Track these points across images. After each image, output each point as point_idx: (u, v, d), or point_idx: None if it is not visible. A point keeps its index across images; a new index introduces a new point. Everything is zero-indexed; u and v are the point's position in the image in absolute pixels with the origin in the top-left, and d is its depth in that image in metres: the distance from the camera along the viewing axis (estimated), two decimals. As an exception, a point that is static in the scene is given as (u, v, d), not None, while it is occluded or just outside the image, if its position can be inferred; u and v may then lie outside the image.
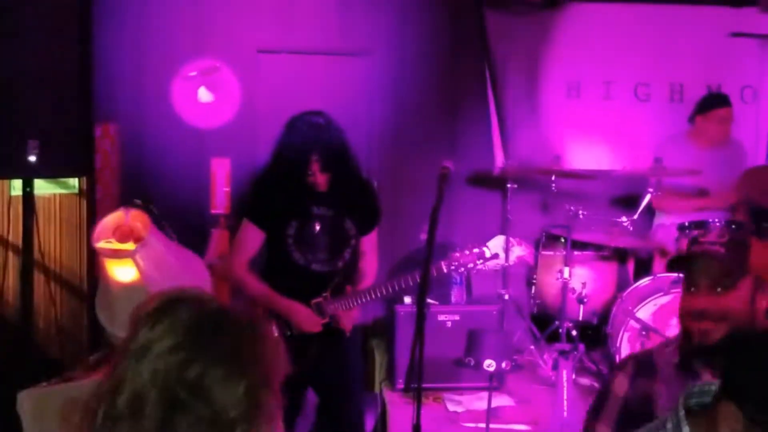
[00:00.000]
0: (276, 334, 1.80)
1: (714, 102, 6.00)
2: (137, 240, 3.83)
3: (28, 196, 4.38)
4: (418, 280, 4.06)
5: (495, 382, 4.78)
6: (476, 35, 6.53)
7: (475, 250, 4.17)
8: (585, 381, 5.42)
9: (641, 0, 6.52)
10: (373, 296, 4.06)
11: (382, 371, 5.49)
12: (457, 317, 5.26)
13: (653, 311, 5.18)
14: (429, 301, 5.17)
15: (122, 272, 3.93)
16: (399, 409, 4.97)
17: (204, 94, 5.96)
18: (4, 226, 4.78)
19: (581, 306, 5.68)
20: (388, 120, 6.40)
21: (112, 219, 4.06)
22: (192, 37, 6.11)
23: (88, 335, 5.39)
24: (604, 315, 5.72)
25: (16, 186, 4.61)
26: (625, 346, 5.18)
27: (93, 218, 5.22)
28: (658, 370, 2.48)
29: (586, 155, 6.56)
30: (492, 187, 6.48)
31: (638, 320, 5.10)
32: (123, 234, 4.01)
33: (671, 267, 2.64)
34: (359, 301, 4.06)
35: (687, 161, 5.76)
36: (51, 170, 4.43)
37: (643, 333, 5.02)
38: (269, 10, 6.25)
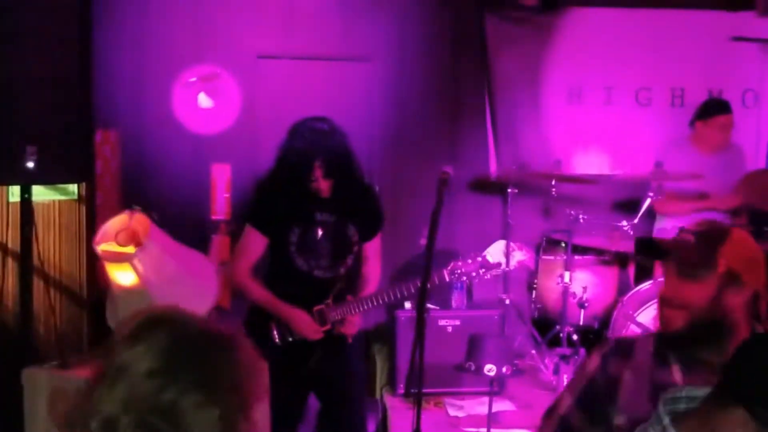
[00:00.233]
0: (258, 354, 1.75)
1: (714, 109, 5.99)
2: (137, 245, 3.84)
3: (26, 202, 4.38)
4: (413, 287, 4.07)
5: (496, 387, 4.78)
6: (477, 41, 6.54)
7: (478, 259, 4.18)
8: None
9: (642, 5, 6.52)
10: (375, 303, 4.05)
11: (383, 376, 5.48)
12: (457, 322, 5.26)
13: (654, 315, 5.16)
14: (430, 306, 5.17)
15: (122, 276, 3.95)
16: (400, 415, 4.97)
17: (204, 100, 5.97)
18: (3, 233, 4.77)
19: (582, 310, 5.67)
20: (388, 125, 6.40)
21: (116, 222, 4.08)
22: (192, 43, 6.11)
23: (88, 342, 5.39)
24: (605, 319, 5.72)
25: (15, 192, 4.60)
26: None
27: (93, 224, 5.22)
28: (633, 356, 2.47)
29: (587, 160, 6.56)
30: (493, 192, 6.48)
31: (639, 324, 5.09)
32: (125, 237, 4.03)
33: (638, 250, 2.64)
34: (361, 308, 4.05)
35: (688, 166, 5.75)
36: (49, 176, 4.41)
37: (644, 337, 5.00)
38: (269, 15, 6.26)
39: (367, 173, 4.75)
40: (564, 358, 5.41)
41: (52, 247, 5.14)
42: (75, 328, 5.34)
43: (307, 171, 3.86)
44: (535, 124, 6.61)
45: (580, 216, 5.61)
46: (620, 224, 5.76)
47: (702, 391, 1.68)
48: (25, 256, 4.44)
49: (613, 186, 6.36)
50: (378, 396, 5.37)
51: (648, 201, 5.78)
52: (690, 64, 6.64)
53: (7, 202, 4.79)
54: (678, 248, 2.42)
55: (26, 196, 4.38)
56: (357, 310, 4.04)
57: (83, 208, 5.34)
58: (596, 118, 6.64)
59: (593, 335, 5.83)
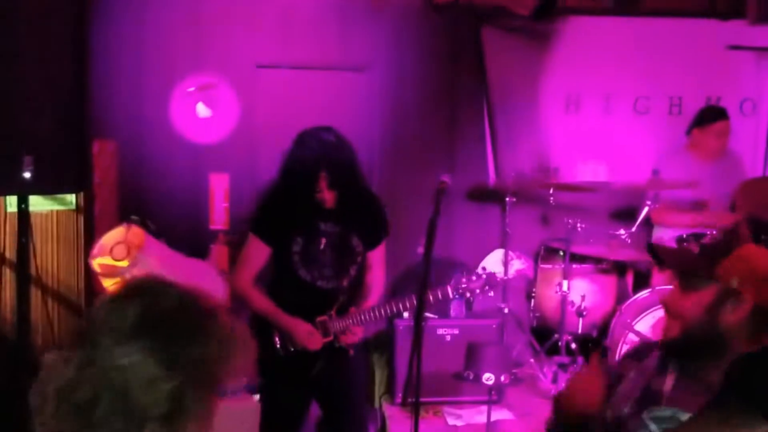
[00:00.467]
0: (246, 332, 1.73)
1: (711, 115, 6.00)
2: (131, 258, 3.85)
3: (23, 212, 4.37)
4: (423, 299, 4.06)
5: (494, 396, 4.78)
6: (473, 50, 6.54)
7: (483, 276, 4.16)
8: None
9: (639, 14, 6.53)
10: (378, 315, 4.03)
11: (381, 385, 5.47)
12: (456, 331, 5.26)
13: (652, 324, 5.17)
14: (428, 315, 5.17)
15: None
16: (399, 423, 4.97)
17: (202, 109, 5.97)
18: (1, 243, 4.77)
19: (580, 319, 5.68)
20: (386, 134, 6.41)
21: (112, 235, 4.08)
22: (190, 52, 6.12)
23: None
24: (604, 328, 5.72)
25: (12, 203, 4.60)
26: (624, 359, 5.16)
27: (90, 235, 5.21)
28: (645, 358, 2.49)
29: (585, 168, 6.57)
30: (491, 201, 6.48)
31: (637, 333, 5.09)
32: (120, 251, 4.02)
33: (649, 251, 2.63)
34: (364, 320, 4.03)
35: (685, 174, 5.76)
36: (45, 186, 4.39)
37: (643, 346, 5.00)
38: (267, 24, 6.27)
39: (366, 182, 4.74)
40: (562, 366, 5.41)
41: (50, 258, 5.14)
42: (73, 338, 5.33)
43: (311, 181, 3.84)
44: (533, 132, 6.62)
45: (578, 224, 5.62)
46: (618, 233, 5.77)
47: (683, 415, 1.68)
48: (22, 267, 4.44)
49: (611, 194, 6.36)
50: (377, 405, 5.36)
51: (646, 209, 5.79)
52: (688, 73, 6.65)
53: (5, 213, 4.79)
54: (680, 258, 2.42)
55: (23, 206, 4.37)
56: (360, 322, 4.03)
57: (81, 218, 5.33)
58: (594, 126, 6.65)
59: (592, 343, 5.83)
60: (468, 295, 4.18)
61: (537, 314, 5.95)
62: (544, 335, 5.78)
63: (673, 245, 5.58)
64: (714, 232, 5.36)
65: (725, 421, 1.62)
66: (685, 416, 1.69)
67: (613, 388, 2.45)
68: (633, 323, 5.16)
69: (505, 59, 6.52)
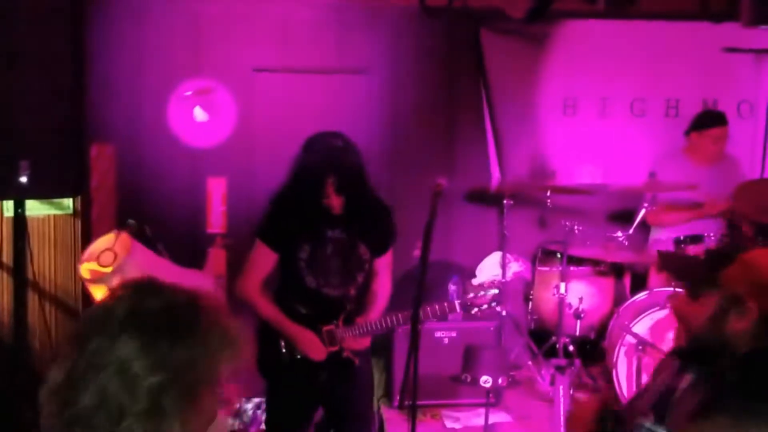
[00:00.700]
0: (244, 333, 1.74)
1: (710, 120, 6.00)
2: (115, 265, 3.86)
3: (19, 217, 4.38)
4: (430, 311, 4.04)
5: (492, 399, 4.78)
6: (472, 53, 6.55)
7: (491, 292, 4.14)
8: (582, 396, 5.40)
9: (636, 16, 6.52)
10: (384, 325, 4.00)
11: (379, 388, 5.47)
12: (454, 334, 5.26)
13: (650, 325, 5.17)
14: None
15: (101, 297, 3.96)
16: (396, 427, 4.97)
17: (200, 114, 5.98)
18: (-2, 247, 4.78)
19: (578, 321, 5.68)
20: (383, 138, 6.41)
21: (102, 241, 4.09)
22: (188, 56, 6.13)
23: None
24: (601, 330, 5.72)
25: (9, 207, 4.60)
26: (622, 361, 5.17)
27: (88, 239, 5.20)
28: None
29: (582, 170, 6.57)
30: (489, 204, 6.48)
31: (634, 335, 5.08)
32: (106, 258, 4.02)
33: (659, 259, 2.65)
34: (370, 330, 4.01)
35: (682, 176, 5.76)
36: (42, 191, 4.39)
37: (640, 347, 5.00)
38: (265, 28, 6.27)
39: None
40: (560, 369, 5.40)
41: (47, 262, 5.14)
42: (71, 343, 5.33)
43: (319, 187, 3.82)
44: (531, 135, 6.62)
45: (576, 227, 5.62)
46: (615, 235, 5.77)
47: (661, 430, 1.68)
48: (19, 271, 4.44)
49: (608, 197, 6.36)
50: (375, 408, 5.36)
51: (643, 211, 5.80)
52: (685, 75, 6.64)
53: (2, 217, 4.80)
54: (685, 266, 2.43)
55: (20, 210, 4.37)
56: (366, 332, 4.00)
57: (78, 223, 5.33)
58: (591, 129, 6.66)
59: (589, 346, 5.84)
60: (475, 310, 4.16)
61: (535, 317, 5.95)
62: (541, 338, 5.78)
63: (671, 247, 5.59)
64: (711, 236, 5.37)
65: (736, 423, 1.61)
66: None
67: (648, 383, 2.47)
68: (631, 325, 5.16)
69: (502, 62, 6.53)
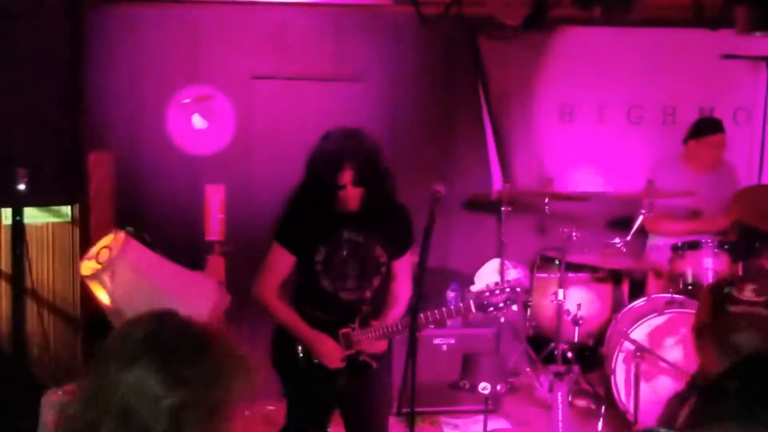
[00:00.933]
0: (254, 357, 1.78)
1: (707, 128, 6.00)
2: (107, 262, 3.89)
3: (18, 224, 4.38)
4: (446, 314, 3.97)
5: (491, 405, 4.78)
6: (470, 60, 6.57)
7: (507, 290, 3.99)
8: (581, 403, 5.41)
9: (632, 23, 6.54)
10: (401, 329, 3.90)
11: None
12: (452, 340, 5.27)
13: (648, 332, 5.18)
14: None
15: (100, 295, 3.99)
16: (395, 434, 4.96)
17: (198, 121, 5.97)
18: (-3, 255, 4.78)
19: (576, 328, 5.67)
20: (383, 145, 6.39)
21: (103, 240, 4.11)
22: (186, 64, 6.14)
23: (83, 364, 5.36)
24: (600, 336, 5.72)
25: (8, 215, 4.60)
26: (620, 368, 5.17)
27: (86, 247, 5.20)
28: None
29: (580, 177, 6.58)
30: (487, 211, 6.49)
31: (633, 341, 5.09)
32: (103, 255, 4.05)
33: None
34: (387, 333, 3.93)
35: (679, 183, 5.77)
36: (40, 198, 4.40)
37: (638, 354, 5.01)
38: (263, 36, 6.29)
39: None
40: (559, 375, 5.39)
41: (46, 270, 5.14)
42: (69, 351, 5.32)
43: (336, 173, 3.70)
44: (529, 142, 6.64)
45: (574, 233, 5.62)
46: (613, 241, 5.78)
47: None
48: (17, 279, 4.44)
49: (606, 203, 6.37)
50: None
51: (640, 218, 5.80)
52: (681, 83, 6.65)
53: (1, 225, 4.79)
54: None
55: (18, 218, 4.38)
56: (383, 336, 3.92)
57: (77, 231, 5.33)
58: (588, 136, 6.67)
59: (588, 352, 5.84)
60: (491, 309, 4.01)
61: (533, 323, 5.94)
62: (540, 344, 5.79)
63: (668, 253, 5.60)
64: (709, 242, 5.38)
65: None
66: None
67: None
68: (629, 331, 5.16)
69: (500, 69, 6.55)
